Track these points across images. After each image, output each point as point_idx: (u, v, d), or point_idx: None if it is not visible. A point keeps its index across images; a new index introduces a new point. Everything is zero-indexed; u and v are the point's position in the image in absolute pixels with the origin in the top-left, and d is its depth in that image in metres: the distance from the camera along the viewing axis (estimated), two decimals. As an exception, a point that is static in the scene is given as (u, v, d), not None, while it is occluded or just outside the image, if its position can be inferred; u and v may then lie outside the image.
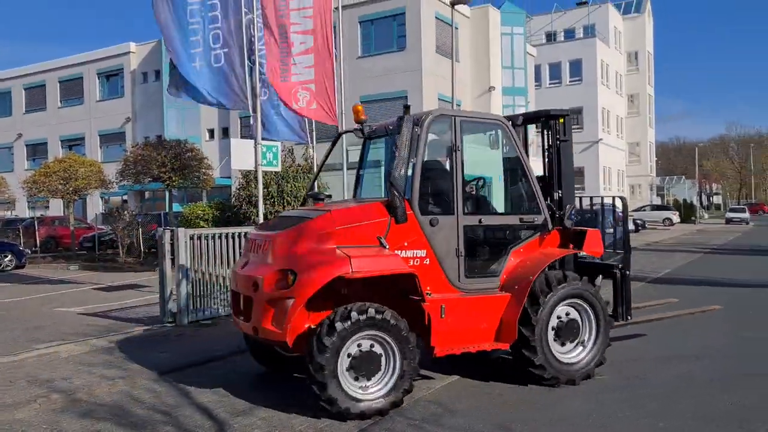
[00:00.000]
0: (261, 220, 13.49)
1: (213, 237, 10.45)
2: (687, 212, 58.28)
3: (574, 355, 6.56)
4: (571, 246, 6.86)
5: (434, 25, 29.54)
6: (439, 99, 28.95)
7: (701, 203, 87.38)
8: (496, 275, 6.42)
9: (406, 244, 5.92)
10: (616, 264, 7.37)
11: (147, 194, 38.25)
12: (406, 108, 6.06)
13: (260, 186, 13.46)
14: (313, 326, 5.61)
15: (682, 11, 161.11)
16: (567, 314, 6.56)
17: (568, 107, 49.01)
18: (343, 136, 8.65)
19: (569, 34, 54.49)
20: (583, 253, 6.96)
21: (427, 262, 6.03)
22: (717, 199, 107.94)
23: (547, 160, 7.14)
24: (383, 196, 6.36)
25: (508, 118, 6.93)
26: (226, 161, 31.98)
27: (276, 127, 14.66)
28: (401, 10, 29.24)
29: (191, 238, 10.13)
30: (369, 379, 5.54)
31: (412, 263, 5.92)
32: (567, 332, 6.52)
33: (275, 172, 16.27)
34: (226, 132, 35.80)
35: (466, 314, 6.14)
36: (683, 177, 78.20)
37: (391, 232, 5.83)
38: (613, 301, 7.39)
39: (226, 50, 12.05)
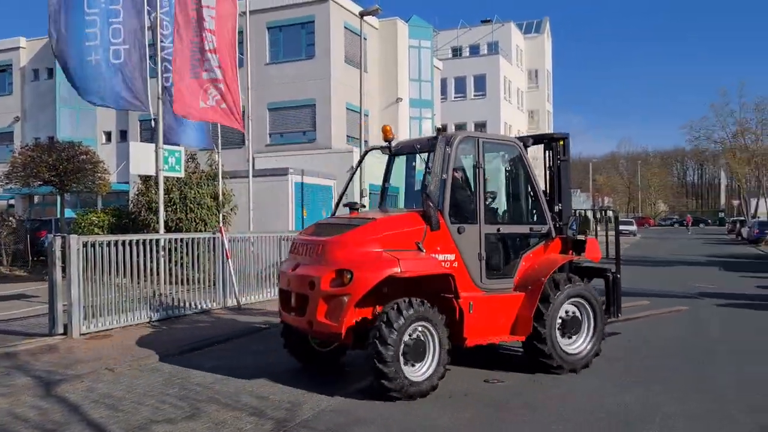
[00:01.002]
0: (162, 227, 12.96)
1: (109, 244, 9.94)
2: (583, 225, 60.44)
3: (575, 346, 7.54)
4: (571, 252, 7.89)
5: (343, 34, 29.57)
6: (347, 108, 28.98)
7: (595, 217, 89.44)
8: (511, 277, 7.37)
9: (438, 248, 6.81)
10: (608, 268, 8.36)
11: (36, 199, 36.17)
12: (439, 130, 7.05)
13: (161, 192, 12.95)
14: (358, 320, 6.46)
15: (580, 32, 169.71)
16: (571, 312, 7.57)
17: (472, 121, 51.09)
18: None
19: (474, 50, 56.09)
20: (582, 258, 7.97)
21: (456, 265, 6.92)
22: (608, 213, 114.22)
23: (548, 177, 8.16)
24: (403, 207, 8.06)
25: (520, 139, 7.87)
26: (124, 165, 30.72)
27: (180, 131, 14.16)
28: (310, 18, 29.09)
29: (84, 245, 9.59)
30: (415, 364, 6.41)
31: (444, 265, 6.78)
32: (571, 327, 7.51)
33: (177, 177, 15.72)
34: (124, 135, 34.42)
35: (489, 310, 7.05)
36: (578, 190, 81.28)
37: (427, 238, 6.70)
38: (606, 300, 8.32)
39: (127, 47, 11.50)
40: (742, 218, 56.08)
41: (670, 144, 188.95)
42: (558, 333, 7.37)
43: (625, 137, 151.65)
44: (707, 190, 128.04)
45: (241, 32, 13.19)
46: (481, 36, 56.79)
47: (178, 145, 13.70)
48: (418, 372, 6.42)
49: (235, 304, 12.21)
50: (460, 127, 49.28)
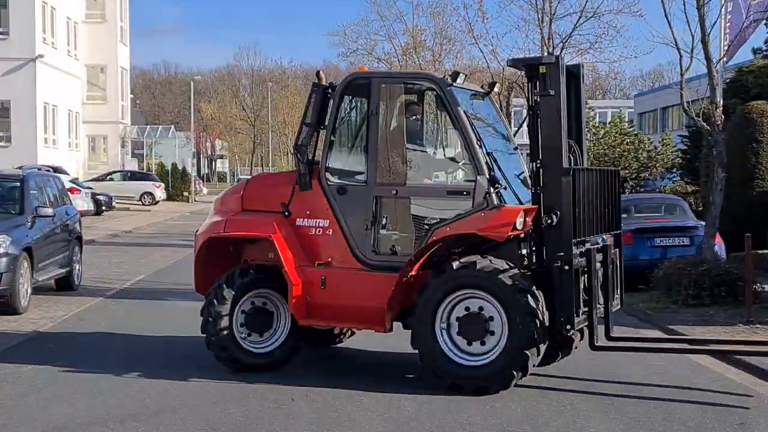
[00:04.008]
0: None
1: None
2: (178, 184, 42.30)
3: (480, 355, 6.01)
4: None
5: None
6: None
7: (199, 171, 62.90)
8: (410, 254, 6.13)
9: (308, 212, 6.35)
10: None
11: None
12: (317, 74, 6.60)
13: None
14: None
15: None
16: (476, 308, 6.04)
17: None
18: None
19: None
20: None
21: (330, 233, 6.27)
22: (223, 165, 79.41)
23: (530, 122, 6.37)
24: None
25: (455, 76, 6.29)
26: None
27: None
28: None
29: None
30: (261, 335, 6.42)
31: (313, 232, 6.29)
32: (473, 327, 5.98)
33: None
34: None
35: (356, 291, 6.24)
36: (172, 127, 56.56)
37: (296, 199, 6.35)
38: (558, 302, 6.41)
39: None
40: None
41: (318, 59, 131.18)
42: (446, 335, 5.88)
43: (249, 43, 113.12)
44: None
45: None
46: None
47: None
48: (263, 344, 6.40)
49: None
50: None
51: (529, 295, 5.61)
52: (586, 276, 6.02)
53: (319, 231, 6.28)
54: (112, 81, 39.89)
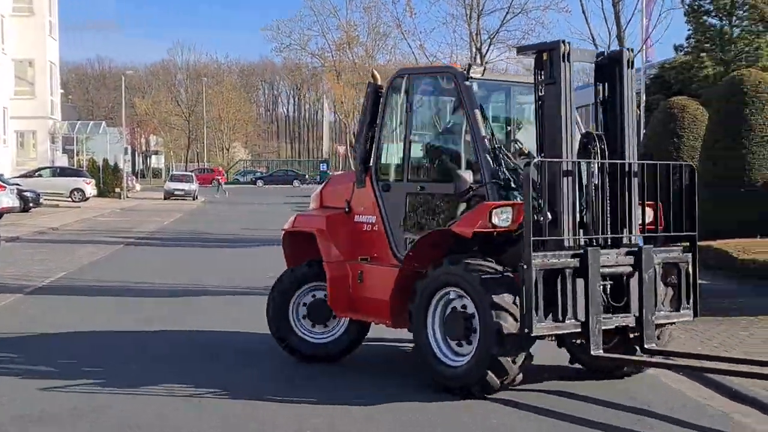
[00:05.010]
0: None
1: None
2: (109, 180, 40.48)
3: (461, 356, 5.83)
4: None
5: None
6: None
7: (134, 167, 62.31)
8: None
9: (362, 208, 6.46)
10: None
11: None
12: (372, 74, 6.78)
13: None
14: None
15: None
16: (461, 306, 5.73)
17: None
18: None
19: None
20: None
21: (376, 228, 6.33)
22: (159, 161, 76.30)
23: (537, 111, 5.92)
24: None
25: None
26: None
27: None
28: None
29: None
30: (325, 325, 6.61)
31: (365, 228, 6.39)
32: (457, 326, 5.67)
33: None
34: None
35: (385, 287, 6.09)
36: (104, 123, 56.54)
37: (355, 196, 6.49)
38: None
39: None
40: None
41: (254, 54, 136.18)
42: (438, 336, 5.63)
43: (183, 40, 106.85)
44: (308, 130, 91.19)
45: None
46: None
47: None
48: (315, 331, 6.59)
49: None
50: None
51: (495, 294, 5.18)
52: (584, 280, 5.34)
53: (368, 227, 6.39)
54: (40, 76, 38.60)
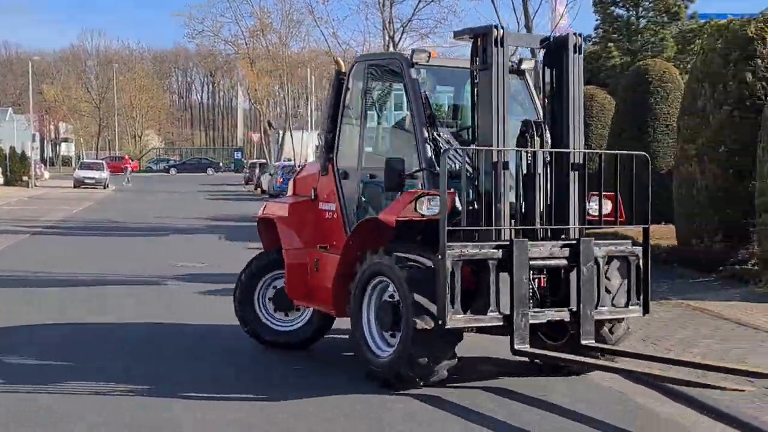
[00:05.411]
0: None
1: None
2: (17, 168, 39.84)
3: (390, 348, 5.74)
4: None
5: None
6: None
7: (42, 155, 59.40)
8: None
9: (326, 195, 6.43)
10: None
11: None
12: (336, 61, 7.03)
13: None
14: None
15: None
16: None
17: None
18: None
19: None
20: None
21: (335, 216, 6.28)
22: (69, 149, 73.92)
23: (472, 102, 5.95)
24: None
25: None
26: None
27: None
28: None
29: None
30: (286, 314, 6.69)
31: (327, 215, 6.35)
32: (390, 317, 5.55)
33: None
34: None
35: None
36: (10, 110, 55.26)
37: (320, 183, 6.47)
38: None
39: None
40: (264, 161, 43.00)
41: (168, 41, 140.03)
42: (372, 322, 5.52)
43: (94, 25, 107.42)
44: (222, 117, 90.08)
45: None
46: None
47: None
48: (282, 321, 6.64)
49: None
50: None
51: (417, 289, 4.99)
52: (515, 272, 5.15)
53: (330, 215, 6.36)
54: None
